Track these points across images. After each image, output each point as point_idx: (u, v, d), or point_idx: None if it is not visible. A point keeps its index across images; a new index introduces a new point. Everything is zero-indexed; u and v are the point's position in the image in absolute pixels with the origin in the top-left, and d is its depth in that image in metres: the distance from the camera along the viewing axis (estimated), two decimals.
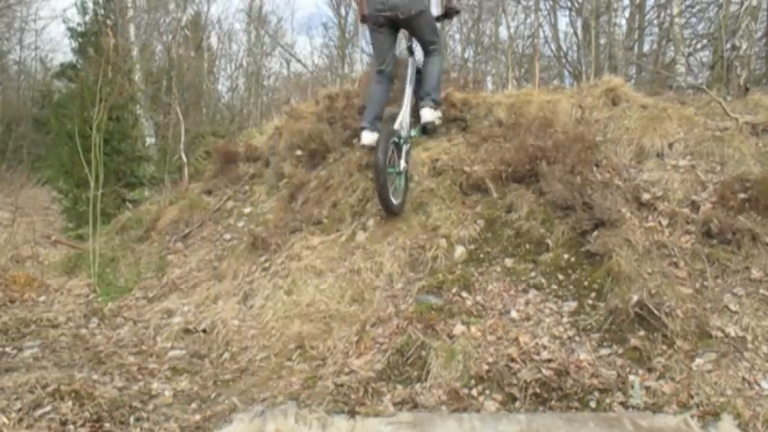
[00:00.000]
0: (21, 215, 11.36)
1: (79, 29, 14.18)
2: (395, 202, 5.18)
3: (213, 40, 23.60)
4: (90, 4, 12.77)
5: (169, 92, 14.55)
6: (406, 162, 5.38)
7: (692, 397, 3.52)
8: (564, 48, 18.71)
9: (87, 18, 12.98)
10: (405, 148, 5.36)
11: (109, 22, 12.42)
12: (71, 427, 3.23)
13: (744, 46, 6.46)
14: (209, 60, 21.57)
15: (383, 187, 5.00)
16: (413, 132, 5.73)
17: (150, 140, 13.47)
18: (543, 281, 4.58)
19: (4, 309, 5.34)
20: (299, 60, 26.51)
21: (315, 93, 8.25)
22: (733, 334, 3.88)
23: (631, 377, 3.73)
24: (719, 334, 3.89)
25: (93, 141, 6.31)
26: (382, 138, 5.02)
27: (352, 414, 3.52)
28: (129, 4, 14.13)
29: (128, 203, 9.36)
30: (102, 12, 13.15)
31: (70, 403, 3.39)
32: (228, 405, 3.74)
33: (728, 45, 6.99)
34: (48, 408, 3.34)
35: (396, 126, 5.36)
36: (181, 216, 6.78)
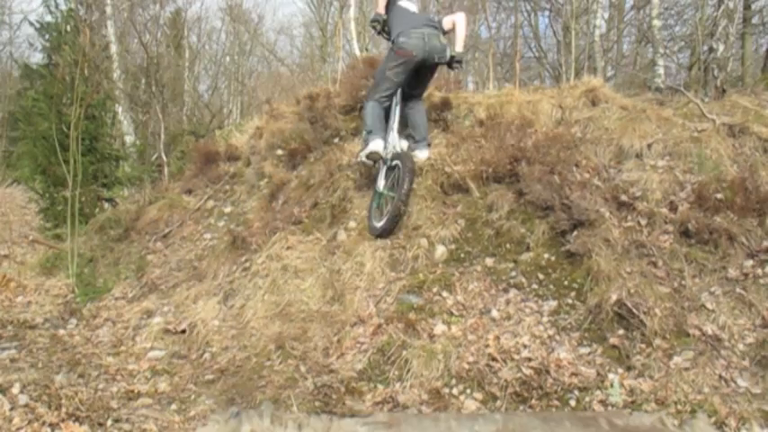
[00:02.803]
0: None
1: (48, 27, 13.94)
2: (377, 224, 5.22)
3: (193, 39, 23.45)
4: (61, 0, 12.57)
5: (148, 89, 14.42)
6: (385, 179, 5.43)
7: (670, 395, 3.56)
8: (544, 48, 18.82)
9: (58, 15, 12.76)
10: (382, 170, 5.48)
11: (85, 18, 12.24)
12: (48, 429, 3.19)
13: (721, 48, 6.52)
14: (190, 59, 21.41)
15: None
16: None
17: (130, 139, 13.32)
18: (523, 280, 4.60)
19: None
20: (279, 59, 26.42)
21: (296, 92, 8.24)
22: (710, 332, 3.93)
23: (611, 375, 3.77)
24: (697, 332, 3.94)
25: (72, 139, 6.24)
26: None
27: (329, 414, 3.52)
28: (108, 1, 13.97)
29: (104, 202, 9.26)
30: (76, 7, 12.93)
31: (47, 405, 3.35)
32: (209, 406, 3.72)
33: (705, 47, 7.06)
34: (25, 409, 3.29)
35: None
36: (160, 216, 6.74)
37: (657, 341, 3.92)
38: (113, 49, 14.08)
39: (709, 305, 4.12)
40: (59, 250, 6.64)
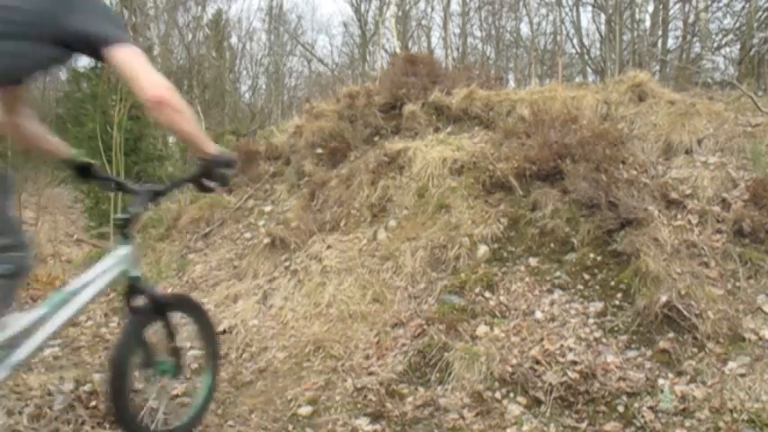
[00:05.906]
0: (44, 214, 11.45)
1: None
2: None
3: (234, 40, 23.71)
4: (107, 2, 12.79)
5: (190, 90, 14.60)
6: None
7: (724, 402, 3.40)
8: (586, 44, 18.54)
9: None
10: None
11: (129, 21, 12.47)
12: (87, 428, 3.20)
13: None
14: (231, 59, 21.64)
15: None
16: None
17: (172, 139, 13.51)
18: (568, 281, 4.47)
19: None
20: (319, 59, 26.54)
21: (335, 91, 8.23)
22: (767, 337, 3.76)
23: (660, 380, 3.62)
24: (753, 337, 3.77)
25: (114, 140, 6.32)
26: None
27: (373, 418, 3.46)
28: (150, 4, 14.18)
29: None
30: (120, 11, 13.16)
31: (87, 403, 3.36)
32: (248, 407, 3.70)
33: (757, 39, 6.82)
34: (64, 408, 3.30)
35: None
36: (201, 215, 6.77)
37: (710, 345, 3.76)
38: (156, 50, 14.29)
39: (765, 308, 3.94)
40: (103, 249, 6.73)
